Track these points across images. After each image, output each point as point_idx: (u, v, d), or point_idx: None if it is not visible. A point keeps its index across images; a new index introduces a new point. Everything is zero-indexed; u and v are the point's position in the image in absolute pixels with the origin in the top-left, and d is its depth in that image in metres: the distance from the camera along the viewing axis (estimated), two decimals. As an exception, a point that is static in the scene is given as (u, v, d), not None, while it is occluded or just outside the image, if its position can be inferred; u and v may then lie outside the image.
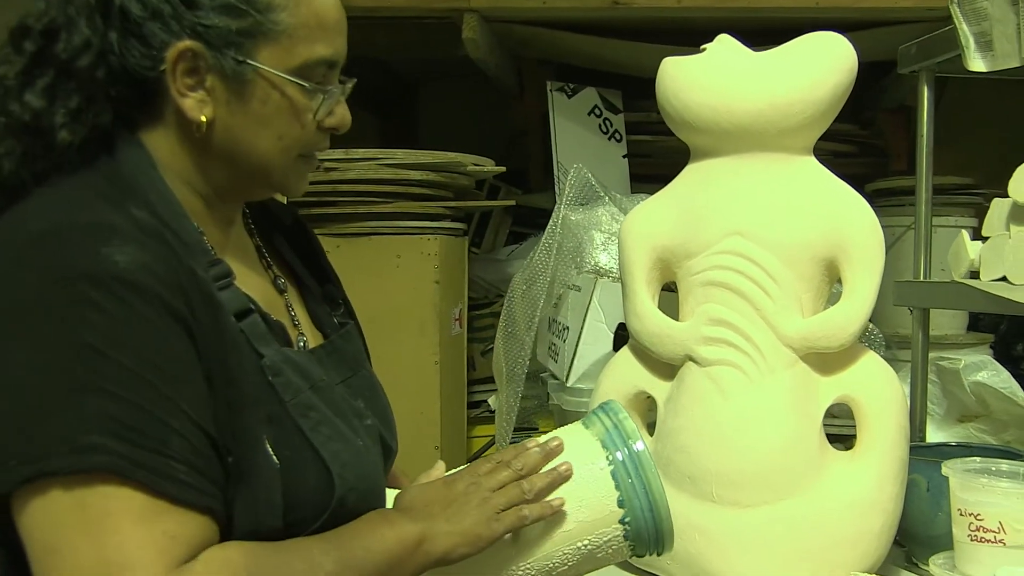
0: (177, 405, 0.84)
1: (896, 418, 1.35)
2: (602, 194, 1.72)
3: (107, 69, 0.92)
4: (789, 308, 1.35)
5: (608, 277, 1.67)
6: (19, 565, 0.85)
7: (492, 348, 2.39)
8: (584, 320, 1.63)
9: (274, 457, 0.90)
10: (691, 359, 1.38)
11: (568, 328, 1.68)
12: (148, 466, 0.81)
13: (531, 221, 2.67)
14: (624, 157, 2.43)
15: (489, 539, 0.99)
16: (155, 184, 0.94)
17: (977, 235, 1.54)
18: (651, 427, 1.46)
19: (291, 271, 1.12)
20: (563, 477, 1.03)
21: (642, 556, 1.07)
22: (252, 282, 1.03)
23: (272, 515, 0.90)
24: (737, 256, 1.36)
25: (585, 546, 1.03)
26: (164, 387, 0.83)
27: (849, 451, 1.38)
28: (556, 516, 1.02)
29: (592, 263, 1.70)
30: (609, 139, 2.44)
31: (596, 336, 1.62)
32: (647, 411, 1.49)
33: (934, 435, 1.71)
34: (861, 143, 2.60)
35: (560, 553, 1.03)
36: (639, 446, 1.03)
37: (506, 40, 2.42)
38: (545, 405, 2.12)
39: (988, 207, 2.36)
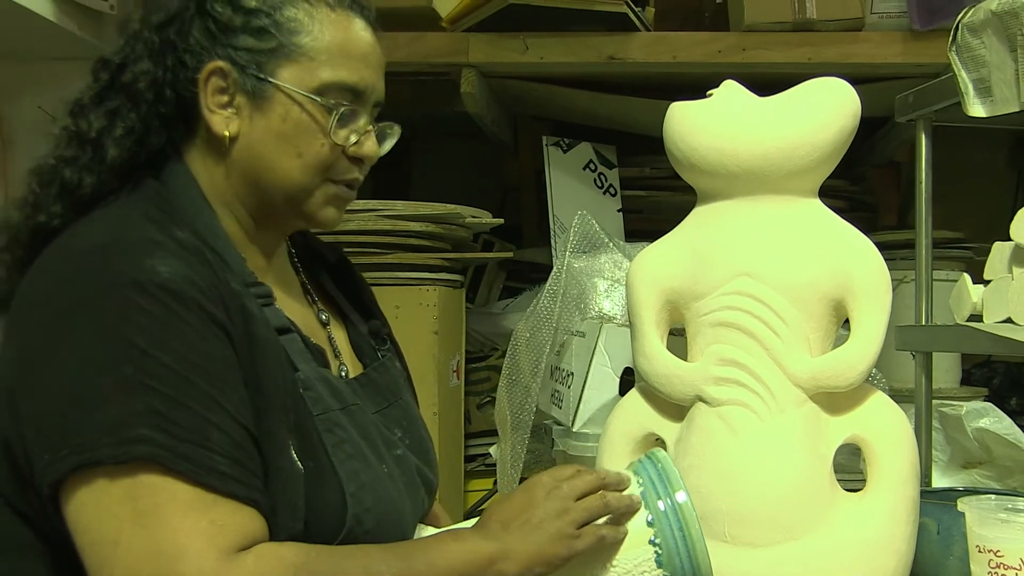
0: (217, 402, 0.88)
1: (907, 456, 1.36)
2: (606, 241, 1.74)
3: (159, 93, 1.02)
4: (798, 347, 1.37)
5: (613, 322, 1.68)
6: (61, 562, 0.90)
7: (489, 401, 2.40)
8: (590, 365, 1.64)
9: (298, 463, 0.93)
10: (701, 399, 1.39)
11: (572, 374, 1.69)
12: (190, 457, 0.85)
13: (525, 276, 2.69)
14: (619, 211, 2.46)
15: (566, 559, 0.98)
16: (199, 208, 1.02)
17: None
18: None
19: (335, 306, 1.17)
20: (635, 506, 1.03)
21: None
22: (295, 311, 1.07)
23: (295, 519, 0.91)
24: (745, 296, 1.38)
25: None
26: (204, 385, 0.88)
27: (859, 492, 1.39)
28: (597, 562, 1.02)
29: (596, 309, 1.72)
30: (604, 193, 2.47)
31: (602, 381, 1.63)
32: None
33: (939, 481, 1.72)
34: (851, 198, 2.64)
35: None
36: (681, 497, 1.03)
37: (502, 95, 2.45)
38: (543, 458, 2.12)
39: (978, 259, 2.42)
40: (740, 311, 1.38)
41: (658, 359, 1.43)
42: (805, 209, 1.42)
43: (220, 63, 1.01)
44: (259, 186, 1.04)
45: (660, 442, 1.46)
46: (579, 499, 1.01)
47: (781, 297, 1.37)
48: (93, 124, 1.01)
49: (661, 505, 1.03)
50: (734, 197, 1.43)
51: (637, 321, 1.45)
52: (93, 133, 1.01)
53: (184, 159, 1.05)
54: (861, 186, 2.66)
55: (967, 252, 2.43)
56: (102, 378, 0.86)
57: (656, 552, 1.01)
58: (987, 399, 2.48)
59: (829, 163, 1.41)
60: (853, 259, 1.37)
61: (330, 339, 1.13)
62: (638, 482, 1.06)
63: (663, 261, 1.45)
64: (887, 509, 1.34)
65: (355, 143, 1.05)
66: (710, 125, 1.41)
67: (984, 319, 1.51)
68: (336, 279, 1.21)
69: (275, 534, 0.91)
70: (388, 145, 1.12)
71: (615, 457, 1.45)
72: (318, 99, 1.02)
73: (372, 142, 1.06)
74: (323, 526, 0.94)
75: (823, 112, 1.39)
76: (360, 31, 1.06)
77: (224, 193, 1.04)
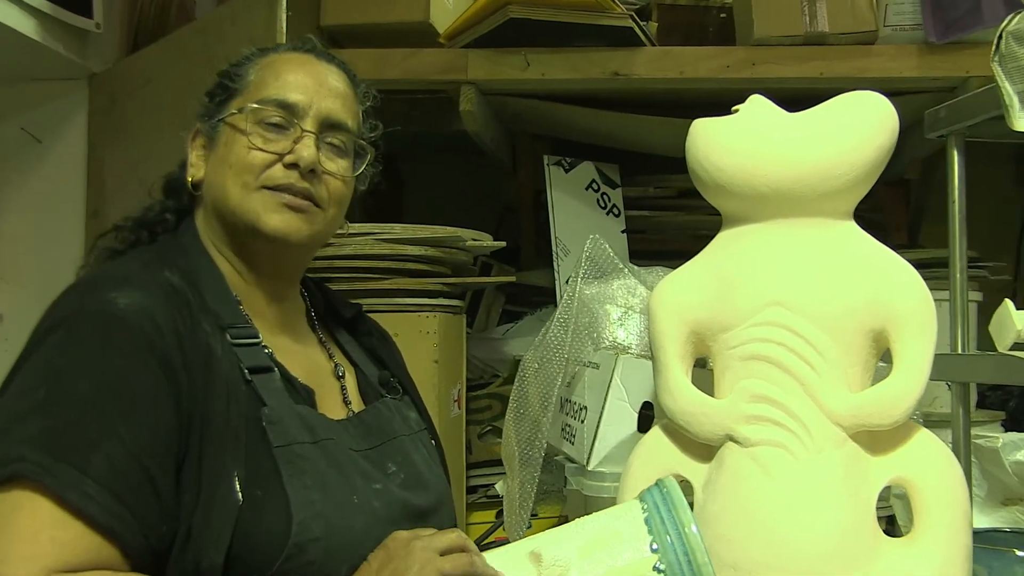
0: (117, 432, 0.90)
1: (959, 502, 1.23)
2: (620, 266, 1.62)
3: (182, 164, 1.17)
4: (836, 383, 1.24)
5: (629, 353, 1.56)
6: None
7: (490, 430, 2.27)
8: (605, 399, 1.51)
9: (239, 493, 0.94)
10: (731, 439, 1.27)
11: (586, 408, 1.56)
12: (59, 475, 0.87)
13: (525, 299, 2.56)
14: (623, 232, 2.34)
15: None
16: (195, 254, 1.10)
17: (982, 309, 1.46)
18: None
19: (348, 357, 1.22)
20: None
21: None
22: (301, 363, 1.12)
23: (216, 549, 0.92)
24: (778, 328, 1.26)
25: None
26: (111, 413, 0.91)
27: (904, 538, 1.26)
28: None
29: (610, 339, 1.59)
30: (607, 214, 2.35)
31: (619, 416, 1.50)
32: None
33: (978, 519, 1.59)
34: (859, 216, 2.51)
35: None
36: (691, 529, 0.92)
37: (501, 113, 2.33)
38: (551, 492, 1.99)
39: (992, 279, 2.30)
40: (773, 343, 1.26)
41: (684, 395, 1.30)
42: (840, 232, 1.30)
43: (199, 124, 1.15)
44: (222, 218, 1.10)
45: (686, 484, 1.33)
46: (443, 554, 0.96)
47: (816, 328, 1.25)
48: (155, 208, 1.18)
49: (668, 538, 0.93)
50: (763, 220, 1.31)
51: (660, 354, 1.32)
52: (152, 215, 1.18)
53: (194, 215, 1.15)
54: (869, 203, 2.53)
55: (981, 271, 2.31)
56: (21, 402, 0.92)
57: None
58: (1003, 423, 2.36)
59: (866, 183, 1.29)
60: (894, 286, 1.25)
61: (343, 389, 1.17)
62: (643, 508, 0.98)
63: (687, 289, 1.33)
64: (939, 561, 1.21)
65: (290, 152, 1.08)
66: (738, 143, 1.29)
67: (1029, 347, 1.38)
68: (353, 332, 1.27)
69: (190, 558, 0.92)
70: (341, 163, 1.14)
71: (638, 501, 1.32)
72: (234, 110, 1.10)
73: (309, 150, 1.09)
74: (258, 552, 0.95)
75: (861, 129, 1.26)
76: (301, 58, 1.15)
77: (213, 238, 1.12)
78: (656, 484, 1.00)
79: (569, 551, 0.94)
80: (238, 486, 0.95)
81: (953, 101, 1.56)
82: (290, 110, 1.10)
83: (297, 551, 0.95)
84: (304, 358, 1.14)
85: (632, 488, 1.34)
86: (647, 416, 1.51)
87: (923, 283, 1.25)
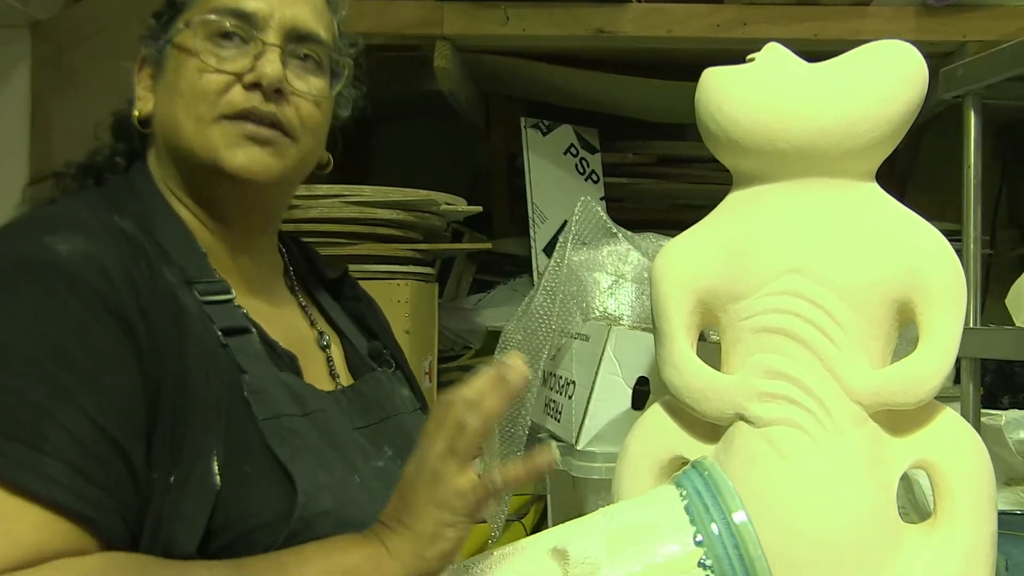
0: (73, 397, 0.75)
1: (985, 486, 1.13)
2: (614, 231, 1.49)
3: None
4: (857, 358, 1.13)
5: (621, 324, 1.44)
6: None
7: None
8: (596, 373, 1.39)
9: (216, 476, 0.80)
10: (742, 418, 1.15)
11: (574, 383, 1.44)
12: (13, 456, 0.72)
13: (497, 269, 2.44)
14: (602, 199, 2.22)
15: (452, 524, 0.79)
16: (150, 199, 0.94)
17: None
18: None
19: (333, 325, 1.07)
20: (515, 387, 0.80)
21: None
22: (279, 328, 0.95)
23: (187, 536, 0.78)
24: (796, 298, 1.14)
25: None
26: (64, 376, 0.75)
27: (925, 524, 1.16)
28: None
29: (600, 309, 1.47)
30: (585, 180, 2.22)
31: (611, 392, 1.38)
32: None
33: (987, 501, 1.49)
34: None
35: None
36: (740, 517, 0.79)
37: (476, 73, 2.19)
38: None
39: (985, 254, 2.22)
40: (789, 314, 1.14)
41: (690, 370, 1.18)
42: (863, 194, 1.18)
43: (144, 50, 0.98)
44: (177, 158, 0.94)
45: (690, 467, 1.22)
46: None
47: (837, 298, 1.13)
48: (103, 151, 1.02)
49: (715, 528, 0.79)
50: (779, 180, 1.18)
51: (664, 324, 1.20)
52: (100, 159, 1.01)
53: (146, 157, 0.99)
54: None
55: (958, 243, 2.21)
56: None
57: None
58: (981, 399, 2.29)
59: (893, 140, 1.17)
60: (923, 254, 1.14)
61: (329, 360, 1.01)
62: (681, 495, 0.83)
63: (695, 255, 1.20)
64: (964, 550, 1.11)
65: (250, 70, 0.91)
66: (755, 95, 1.16)
67: (1052, 322, 1.28)
68: (337, 296, 1.11)
69: (159, 548, 0.78)
70: (314, 82, 0.97)
71: (637, 484, 1.20)
72: (182, 25, 0.93)
73: (273, 66, 0.91)
74: (255, 534, 0.81)
75: (889, 80, 1.15)
76: None
77: (169, 182, 0.96)
78: (693, 466, 0.86)
79: (598, 547, 0.81)
80: (216, 468, 0.80)
81: (971, 59, 1.45)
82: (247, 20, 0.92)
83: (304, 527, 0.81)
84: (282, 323, 0.98)
85: (631, 471, 1.22)
86: (642, 392, 1.39)
87: (953, 251, 1.14)
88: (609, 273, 1.50)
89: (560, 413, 1.46)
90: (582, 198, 1.52)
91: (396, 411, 1.02)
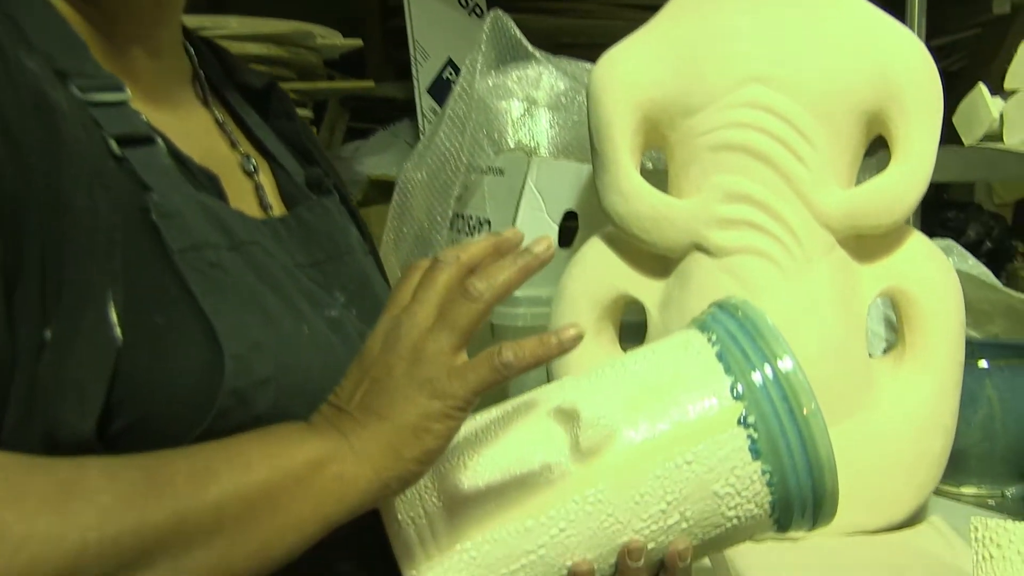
0: None
1: (956, 314, 1.02)
2: (530, 49, 1.31)
3: None
4: (826, 177, 0.99)
5: (538, 154, 1.27)
6: None
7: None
8: (517, 210, 1.22)
9: (116, 328, 0.58)
10: (699, 248, 1.01)
11: (488, 222, 1.27)
12: None
13: (372, 115, 2.21)
14: (487, 34, 2.01)
15: (443, 415, 0.58)
16: None
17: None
18: (636, 330, 1.08)
19: (261, 148, 0.82)
20: (541, 260, 0.61)
21: (787, 530, 0.68)
22: (191, 147, 0.71)
23: (80, 413, 0.57)
24: (758, 110, 0.99)
25: (699, 517, 0.65)
26: None
27: (891, 355, 1.05)
28: (657, 455, 0.63)
29: (513, 140, 1.29)
30: (470, 14, 2.01)
31: (535, 230, 1.21)
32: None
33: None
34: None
35: (660, 525, 0.64)
36: (787, 364, 0.64)
37: None
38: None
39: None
40: (752, 129, 0.99)
41: (638, 195, 1.02)
42: (831, -9, 1.03)
43: None
44: None
45: (638, 307, 1.07)
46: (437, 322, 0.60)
47: (805, 110, 0.99)
48: None
49: (757, 377, 0.64)
50: (736, -25, 1.02)
51: (605, 146, 1.04)
52: None
53: None
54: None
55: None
56: None
57: (750, 438, 0.63)
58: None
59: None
60: (896, 58, 1.00)
61: (258, 188, 0.77)
62: (709, 339, 0.67)
63: (640, 64, 1.03)
64: (936, 381, 1.01)
65: None
66: None
67: (1004, 139, 1.18)
68: (264, 113, 0.85)
69: (37, 429, 0.56)
70: None
71: (578, 328, 1.05)
72: None
73: None
74: (170, 410, 0.60)
75: None
76: None
77: None
78: (720, 307, 0.69)
79: (613, 404, 0.64)
80: (114, 316, 0.59)
81: None
82: None
83: (237, 402, 0.61)
84: (194, 141, 0.74)
85: (569, 314, 1.07)
86: (571, 228, 1.24)
87: (929, 55, 1.00)
88: (520, 100, 1.32)
89: (474, 257, 1.29)
90: (492, 11, 1.32)
91: (350, 249, 0.80)
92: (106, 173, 0.62)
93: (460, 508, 0.63)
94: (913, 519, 1.03)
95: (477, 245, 0.63)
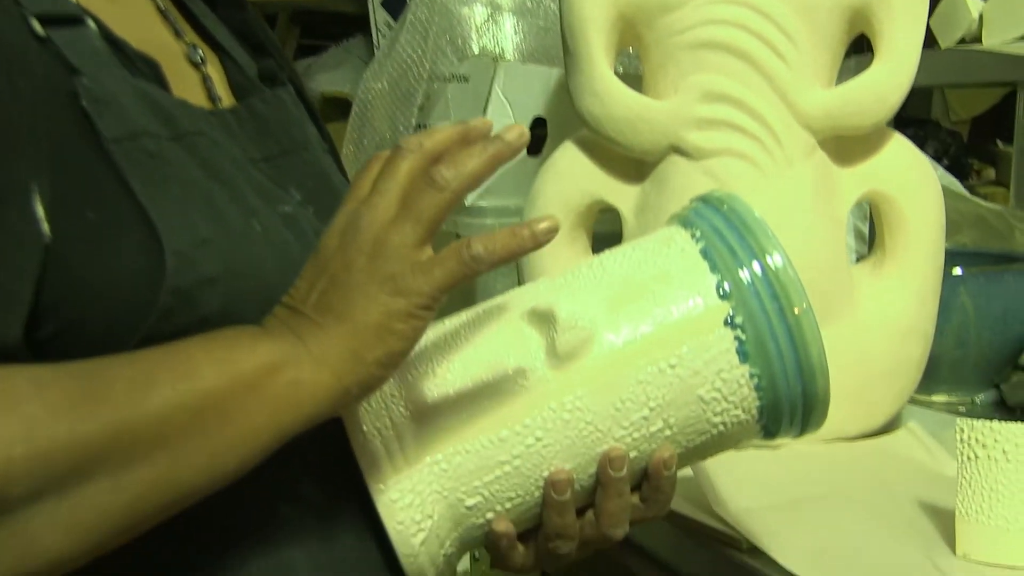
0: None
1: (937, 218, 1.00)
2: (494, -51, 1.24)
3: None
4: (807, 76, 0.96)
5: (505, 59, 1.21)
6: None
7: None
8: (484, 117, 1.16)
9: (42, 222, 0.53)
10: (677, 151, 0.97)
11: (454, 132, 1.22)
12: None
13: (322, 31, 2.14)
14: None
15: (408, 314, 0.53)
16: None
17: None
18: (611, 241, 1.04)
19: (212, 42, 0.74)
20: (513, 148, 0.55)
21: (774, 437, 0.65)
22: (131, 34, 0.63)
23: (8, 315, 0.51)
24: (738, 6, 0.95)
25: (683, 424, 0.60)
26: None
27: (869, 262, 1.02)
28: (640, 358, 0.59)
29: (479, 47, 1.23)
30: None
31: (502, 138, 1.16)
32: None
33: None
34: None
35: (642, 432, 0.60)
36: (777, 260, 0.60)
37: None
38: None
39: None
40: (733, 27, 0.95)
41: (613, 97, 0.98)
42: None
43: None
44: None
45: (613, 215, 1.03)
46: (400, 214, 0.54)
47: (785, 6, 0.94)
48: None
49: (744, 274, 0.59)
50: None
51: (579, 46, 0.98)
52: None
53: None
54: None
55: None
56: None
57: (738, 339, 0.59)
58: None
59: None
60: (881, -51, 0.95)
61: (205, 80, 0.69)
62: (693, 236, 0.62)
63: (615, -42, 0.98)
64: (915, 286, 0.99)
65: None
66: None
67: (983, 41, 1.14)
68: (213, 2, 0.77)
69: None
70: None
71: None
72: None
73: None
74: (106, 312, 0.54)
75: None
76: None
77: None
78: (704, 201, 0.64)
79: (591, 305, 0.59)
80: (40, 210, 0.53)
81: None
82: None
83: (180, 302, 0.55)
84: (132, 27, 0.66)
85: (541, 221, 1.02)
86: (540, 136, 1.19)
87: (914, -55, 0.96)
88: (484, 5, 1.26)
89: (438, 168, 1.24)
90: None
91: (307, 143, 0.72)
92: (28, 56, 0.55)
93: (429, 418, 0.58)
94: (890, 426, 1.01)
95: (443, 132, 0.56)
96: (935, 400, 1.15)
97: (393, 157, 0.55)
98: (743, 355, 0.59)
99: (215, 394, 0.50)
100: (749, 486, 0.87)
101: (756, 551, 0.78)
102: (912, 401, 1.08)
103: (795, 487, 0.89)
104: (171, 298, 0.54)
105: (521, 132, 0.56)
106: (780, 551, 0.76)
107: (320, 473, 0.61)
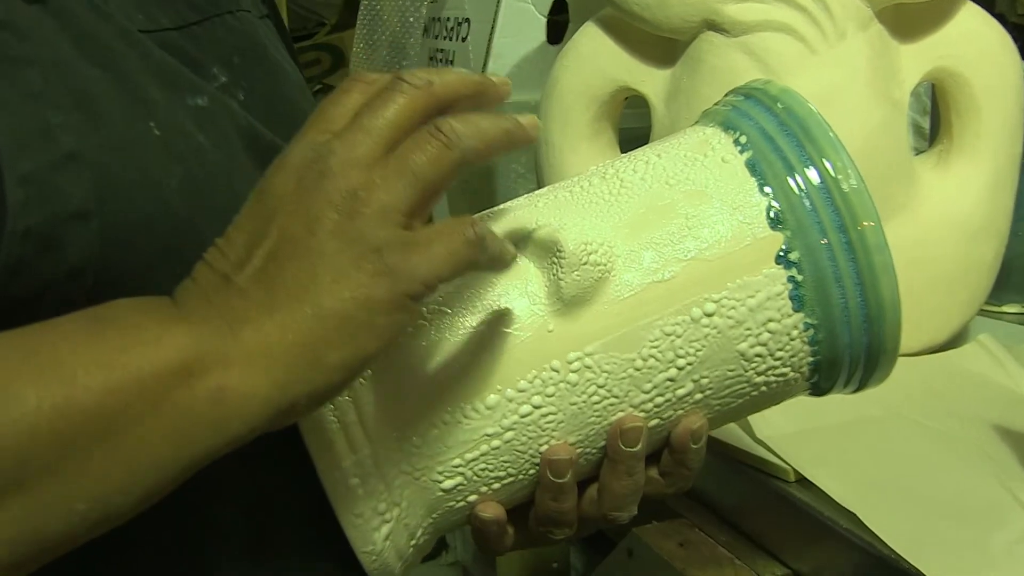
0: None
1: (1016, 97, 0.85)
2: None
3: None
4: (863, -67, 0.80)
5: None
6: None
7: (320, 89, 1.77)
8: (498, 5, 1.03)
9: None
10: (712, 26, 0.82)
11: (468, 20, 1.08)
12: None
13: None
14: None
15: (393, 304, 0.36)
16: None
17: None
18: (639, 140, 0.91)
19: None
20: (528, 135, 0.42)
21: (823, 395, 0.51)
22: None
23: None
24: None
25: (718, 386, 0.47)
26: None
27: (934, 152, 0.88)
28: (659, 305, 0.45)
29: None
30: None
31: (519, 24, 1.02)
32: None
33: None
34: None
35: (667, 398, 0.46)
36: (851, 181, 0.45)
37: None
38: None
39: None
40: None
41: (639, -33, 0.84)
42: None
43: None
44: None
45: (639, 100, 0.90)
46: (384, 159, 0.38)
47: None
48: None
49: (797, 181, 0.45)
50: None
51: (599, -91, 0.84)
52: None
53: None
54: None
55: None
56: None
57: (792, 280, 0.45)
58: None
59: None
60: None
61: None
62: (736, 142, 0.47)
63: None
64: (988, 179, 0.85)
65: None
66: None
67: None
68: None
69: None
70: None
71: (570, 130, 0.89)
72: None
73: None
74: None
75: None
76: None
77: None
78: (749, 95, 0.49)
79: (606, 232, 0.45)
80: None
81: None
82: None
83: (35, 250, 0.38)
84: None
85: (560, 112, 0.90)
86: (560, 22, 1.05)
87: None
88: None
89: (453, 63, 1.11)
90: None
91: (235, 4, 0.54)
92: None
93: (396, 380, 0.44)
94: (958, 339, 0.88)
95: (457, 76, 0.42)
96: (1008, 311, 1.01)
97: (389, 88, 0.39)
98: (798, 301, 0.45)
99: (95, 412, 0.34)
100: (797, 408, 0.75)
101: (806, 482, 0.65)
102: (983, 311, 0.94)
103: (849, 409, 0.76)
104: (21, 245, 0.38)
105: (535, 125, 0.43)
106: (832, 483, 0.64)
107: (251, 452, 0.40)
